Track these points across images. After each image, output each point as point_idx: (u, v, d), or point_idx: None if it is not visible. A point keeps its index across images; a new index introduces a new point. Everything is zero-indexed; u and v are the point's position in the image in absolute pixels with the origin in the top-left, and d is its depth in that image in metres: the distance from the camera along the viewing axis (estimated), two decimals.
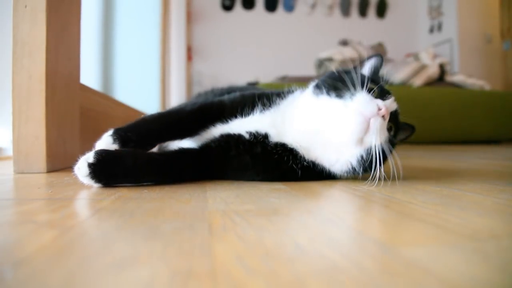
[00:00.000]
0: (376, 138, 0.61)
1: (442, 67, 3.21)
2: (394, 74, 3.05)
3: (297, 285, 0.22)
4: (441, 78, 3.21)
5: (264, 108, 0.68)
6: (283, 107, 0.69)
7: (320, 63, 3.29)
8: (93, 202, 0.47)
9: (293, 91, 0.73)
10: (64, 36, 0.91)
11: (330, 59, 3.20)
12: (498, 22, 4.77)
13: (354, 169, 0.65)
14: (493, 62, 4.74)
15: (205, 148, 0.68)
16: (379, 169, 0.62)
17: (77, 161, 0.56)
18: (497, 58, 4.77)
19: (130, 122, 0.66)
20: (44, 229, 0.34)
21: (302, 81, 0.78)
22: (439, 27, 4.83)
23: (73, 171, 0.57)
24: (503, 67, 4.80)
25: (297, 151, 0.67)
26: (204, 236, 0.32)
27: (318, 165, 0.68)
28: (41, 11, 0.81)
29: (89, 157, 0.55)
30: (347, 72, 0.67)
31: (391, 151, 0.66)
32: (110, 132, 0.63)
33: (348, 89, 0.63)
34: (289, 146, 0.67)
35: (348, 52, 3.22)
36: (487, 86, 3.31)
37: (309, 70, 3.70)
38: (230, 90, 0.89)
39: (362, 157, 0.63)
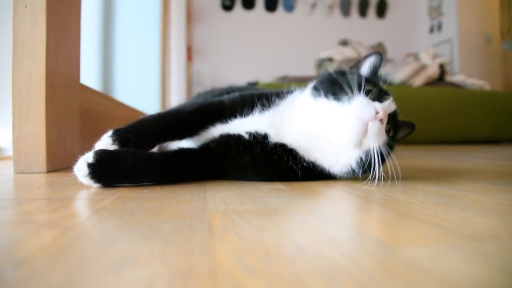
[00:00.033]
0: (374, 141, 0.61)
1: (442, 67, 3.21)
2: (394, 74, 3.04)
3: (297, 285, 0.22)
4: (441, 78, 3.21)
5: (263, 109, 0.68)
6: (282, 108, 0.69)
7: (320, 63, 3.29)
8: (93, 202, 0.47)
9: (292, 91, 0.73)
10: (64, 36, 0.91)
11: (330, 59, 3.20)
12: (498, 22, 4.77)
13: (353, 170, 0.65)
14: (493, 62, 4.74)
15: (205, 148, 0.68)
16: (379, 169, 0.62)
17: (76, 161, 0.56)
18: (497, 58, 4.77)
19: (129, 123, 0.66)
20: (44, 229, 0.34)
21: (302, 81, 0.78)
22: (439, 27, 4.83)
23: (72, 171, 0.57)
24: (503, 67, 4.80)
25: (297, 152, 0.67)
26: (204, 236, 0.32)
27: (318, 166, 0.68)
28: (41, 11, 0.81)
29: (89, 157, 0.55)
30: (345, 74, 0.66)
31: (389, 153, 0.66)
32: (109, 133, 0.63)
33: (346, 92, 0.63)
34: (289, 146, 0.67)
35: (348, 52, 3.22)
36: (487, 86, 3.30)
37: (309, 70, 3.70)
38: (230, 90, 0.89)
39: (361, 159, 0.63)
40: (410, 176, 0.78)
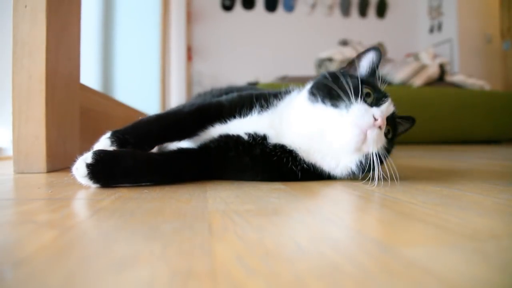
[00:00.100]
0: (373, 147, 0.61)
1: (442, 67, 3.21)
2: (394, 74, 3.04)
3: (297, 285, 0.22)
4: (441, 78, 3.21)
5: (262, 109, 0.68)
6: (281, 109, 0.69)
7: (320, 63, 3.29)
8: (93, 202, 0.47)
9: (290, 92, 0.73)
10: (64, 36, 0.91)
11: (330, 59, 3.20)
12: (498, 22, 4.77)
13: (353, 172, 0.66)
14: (493, 62, 4.73)
15: (204, 148, 0.68)
16: (378, 170, 0.62)
17: (75, 161, 0.56)
18: (497, 58, 4.77)
19: (128, 124, 0.66)
20: (44, 229, 0.34)
21: (302, 81, 0.77)
22: (439, 27, 4.83)
23: (71, 172, 0.57)
24: (503, 67, 4.80)
25: (297, 153, 0.67)
26: (204, 236, 0.32)
27: (318, 168, 0.68)
28: (41, 11, 0.81)
29: (87, 157, 0.55)
30: (342, 76, 0.65)
31: (389, 153, 0.66)
32: (108, 134, 0.62)
33: (343, 99, 0.62)
34: (288, 147, 0.66)
35: (348, 52, 3.21)
36: (487, 86, 3.30)
37: (309, 70, 3.70)
38: (229, 90, 0.89)
39: (361, 162, 0.63)
40: (410, 176, 0.78)
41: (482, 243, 0.30)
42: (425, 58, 3.31)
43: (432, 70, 3.12)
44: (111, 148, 0.61)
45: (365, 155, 0.62)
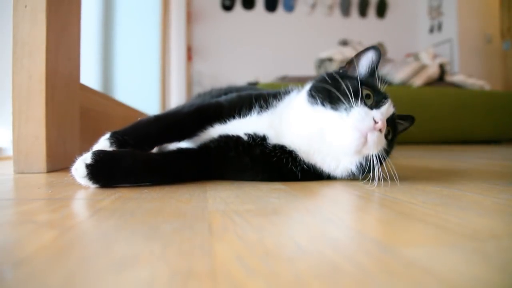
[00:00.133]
0: (374, 149, 0.61)
1: (442, 67, 3.21)
2: (394, 74, 3.04)
3: (297, 285, 0.22)
4: (441, 78, 3.21)
5: (261, 110, 0.68)
6: (280, 109, 0.69)
7: (320, 63, 3.29)
8: (93, 202, 0.47)
9: (289, 92, 0.73)
10: (64, 36, 0.91)
11: (330, 59, 3.20)
12: (498, 22, 4.77)
13: (353, 174, 0.66)
14: (493, 62, 4.73)
15: (204, 148, 0.68)
16: (378, 171, 0.62)
17: (74, 162, 0.56)
18: (497, 58, 4.77)
19: (127, 125, 0.66)
20: (44, 229, 0.34)
21: (302, 81, 0.77)
22: (439, 27, 4.83)
23: (70, 172, 0.57)
24: (503, 67, 4.80)
25: (297, 154, 0.67)
26: (204, 236, 0.32)
27: (318, 169, 0.68)
28: (41, 11, 0.81)
29: (87, 157, 0.55)
30: (341, 78, 0.64)
31: (388, 154, 0.66)
32: (107, 136, 0.62)
33: (343, 102, 0.62)
34: (288, 148, 0.66)
35: (348, 52, 3.21)
36: (487, 86, 3.31)
37: (309, 70, 3.70)
38: (229, 90, 0.89)
39: (361, 164, 0.63)
40: (410, 176, 0.78)
41: (482, 243, 0.30)
42: (425, 58, 3.31)
43: (432, 70, 3.12)
44: (111, 149, 0.61)
45: (365, 157, 0.62)
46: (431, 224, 0.36)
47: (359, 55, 0.71)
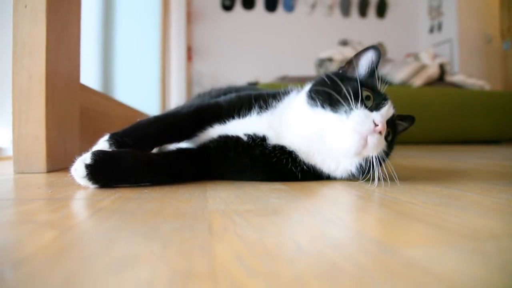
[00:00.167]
0: (374, 151, 0.61)
1: (442, 67, 3.21)
2: (394, 74, 3.04)
3: (297, 285, 0.22)
4: (441, 78, 3.21)
5: (261, 110, 0.68)
6: (280, 110, 0.68)
7: (320, 63, 3.29)
8: (93, 202, 0.47)
9: (289, 92, 0.72)
10: (64, 36, 0.91)
11: (330, 59, 3.20)
12: (498, 22, 4.77)
13: (353, 174, 0.66)
14: (493, 62, 4.73)
15: (204, 148, 0.68)
16: (378, 171, 0.62)
17: (74, 162, 0.56)
18: (497, 58, 4.77)
19: (126, 126, 0.66)
20: (44, 229, 0.34)
21: (302, 81, 0.77)
22: (439, 27, 4.83)
23: (69, 172, 0.57)
24: (503, 67, 4.80)
25: (296, 154, 0.66)
26: (204, 236, 0.32)
27: (318, 169, 0.68)
28: (41, 11, 0.81)
29: (86, 158, 0.55)
30: (341, 80, 0.64)
31: (388, 155, 0.66)
32: (106, 137, 0.62)
33: (342, 104, 0.61)
34: (288, 148, 0.66)
35: (348, 52, 3.21)
36: (487, 86, 3.30)
37: (309, 70, 3.70)
38: (229, 90, 0.89)
39: (361, 165, 0.63)
40: (410, 176, 0.78)
41: (482, 243, 0.30)
42: (425, 58, 3.30)
43: (432, 70, 3.12)
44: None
45: (365, 158, 0.62)
46: (431, 224, 0.37)
47: (358, 55, 0.70)
